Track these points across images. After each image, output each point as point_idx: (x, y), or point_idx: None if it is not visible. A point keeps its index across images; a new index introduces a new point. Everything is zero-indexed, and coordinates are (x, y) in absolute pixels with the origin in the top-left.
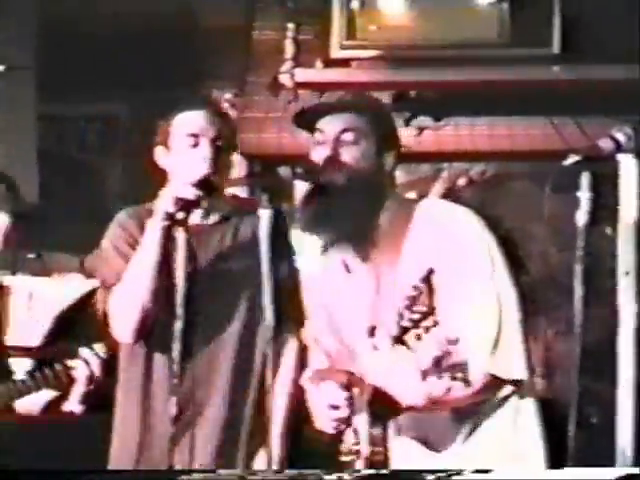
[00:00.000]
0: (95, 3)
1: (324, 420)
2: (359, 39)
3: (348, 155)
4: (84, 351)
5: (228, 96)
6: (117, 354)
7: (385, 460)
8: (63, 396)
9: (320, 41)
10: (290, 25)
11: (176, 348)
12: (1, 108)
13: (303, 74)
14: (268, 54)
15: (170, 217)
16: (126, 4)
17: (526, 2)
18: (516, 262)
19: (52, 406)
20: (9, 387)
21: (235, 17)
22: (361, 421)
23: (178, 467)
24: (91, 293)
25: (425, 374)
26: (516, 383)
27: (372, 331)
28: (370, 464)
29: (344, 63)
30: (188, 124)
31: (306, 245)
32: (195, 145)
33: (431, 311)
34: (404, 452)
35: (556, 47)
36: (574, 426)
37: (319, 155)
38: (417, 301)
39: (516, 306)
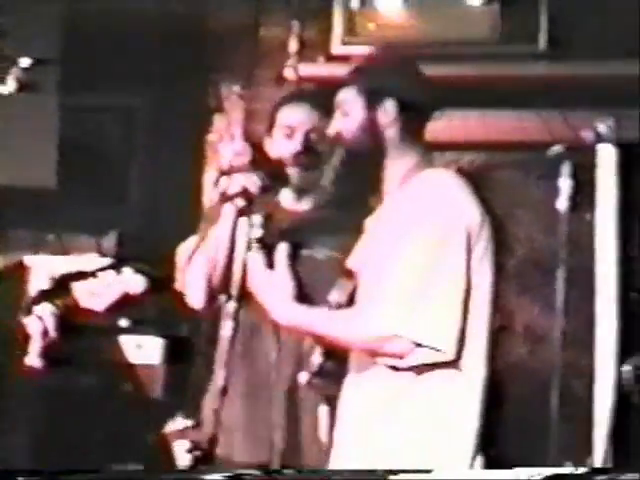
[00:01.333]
0: (116, 1)
1: None
2: (359, 36)
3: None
4: (37, 309)
5: (237, 89)
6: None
7: (335, 397)
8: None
9: (322, 38)
10: (294, 23)
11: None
12: (25, 98)
13: (306, 68)
14: (274, 50)
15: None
16: (145, 4)
17: (515, 3)
18: (504, 245)
19: None
20: None
21: (244, 16)
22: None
23: None
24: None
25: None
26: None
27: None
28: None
29: (345, 59)
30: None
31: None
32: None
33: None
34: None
35: (542, 44)
36: (557, 392)
37: (331, 128)
38: None
39: (460, 287)
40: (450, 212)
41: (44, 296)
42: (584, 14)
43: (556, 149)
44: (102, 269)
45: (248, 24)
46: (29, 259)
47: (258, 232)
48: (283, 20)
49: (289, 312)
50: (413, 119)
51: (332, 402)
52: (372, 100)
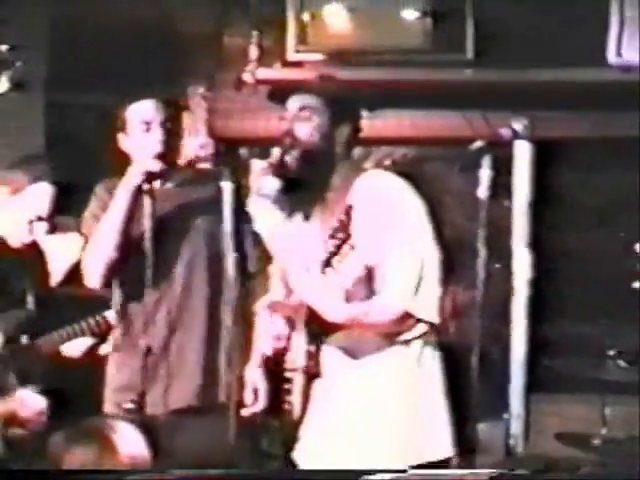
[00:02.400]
0: (94, 7)
1: (265, 344)
2: (310, 45)
3: (302, 129)
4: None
5: (201, 90)
6: None
7: (317, 372)
8: (100, 342)
9: (278, 46)
10: (254, 33)
11: (148, 295)
12: (14, 96)
13: (264, 73)
14: (235, 56)
15: (137, 186)
16: (119, 9)
17: (445, 16)
18: (433, 229)
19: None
20: (59, 334)
21: (208, 26)
22: (299, 340)
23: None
24: None
25: (347, 295)
26: (427, 326)
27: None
28: (306, 376)
29: (298, 64)
30: (140, 112)
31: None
32: (148, 130)
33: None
34: (329, 360)
35: (469, 54)
36: (477, 359)
37: (281, 127)
38: (338, 232)
39: (437, 261)
40: (411, 211)
41: None
42: (506, 28)
43: (478, 144)
44: None
45: (213, 33)
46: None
47: (330, 247)
48: (244, 30)
49: (341, 312)
50: (354, 123)
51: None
52: (336, 112)
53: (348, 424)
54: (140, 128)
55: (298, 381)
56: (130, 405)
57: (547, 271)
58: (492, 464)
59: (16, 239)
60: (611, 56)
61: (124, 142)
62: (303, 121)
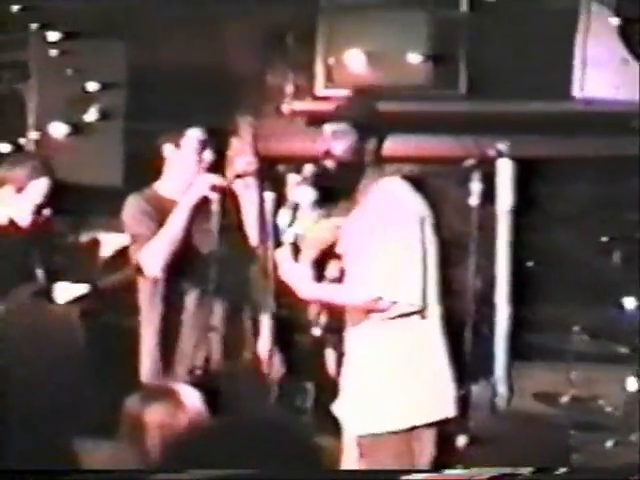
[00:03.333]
0: (164, 53)
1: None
2: (335, 83)
3: (337, 147)
4: None
5: (248, 119)
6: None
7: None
8: None
9: (309, 84)
10: (290, 73)
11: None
12: (101, 124)
13: (298, 105)
14: (275, 92)
15: (205, 197)
16: (184, 55)
17: (443, 59)
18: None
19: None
20: None
21: (254, 67)
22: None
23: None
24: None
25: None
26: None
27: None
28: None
29: (325, 98)
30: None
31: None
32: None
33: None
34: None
35: (462, 89)
36: (470, 334)
37: (320, 147)
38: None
39: (420, 255)
40: (406, 206)
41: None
42: (492, 69)
43: (469, 162)
44: None
45: (257, 73)
46: (101, 236)
47: (290, 236)
48: (282, 71)
49: (311, 291)
50: (376, 143)
51: (337, 349)
52: (362, 134)
53: (372, 383)
54: (197, 149)
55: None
56: (194, 371)
57: (525, 264)
58: (480, 419)
59: (24, 222)
60: (575, 91)
61: (181, 158)
62: (337, 140)
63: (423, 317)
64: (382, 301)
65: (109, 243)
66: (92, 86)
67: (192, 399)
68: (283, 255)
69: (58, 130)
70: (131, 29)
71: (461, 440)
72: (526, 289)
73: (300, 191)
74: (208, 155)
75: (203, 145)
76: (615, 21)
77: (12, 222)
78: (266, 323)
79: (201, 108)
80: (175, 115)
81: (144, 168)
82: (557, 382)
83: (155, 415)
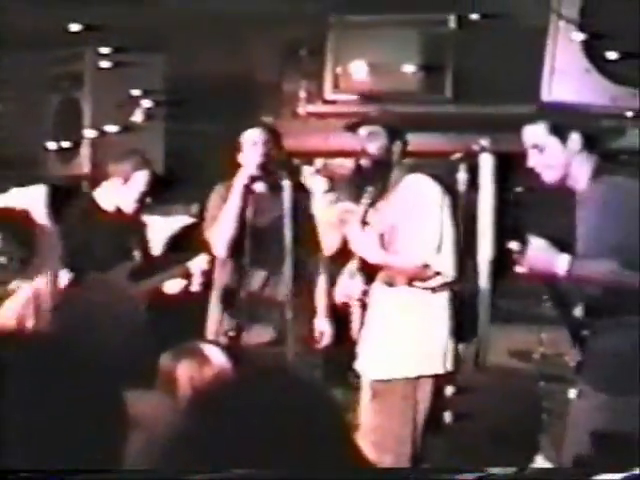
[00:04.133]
0: (196, 63)
1: (338, 297)
2: (341, 89)
3: (371, 147)
4: (197, 259)
5: (270, 120)
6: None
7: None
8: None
9: (320, 90)
10: (303, 81)
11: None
12: (145, 125)
13: (310, 108)
14: (291, 97)
15: (247, 185)
16: (214, 65)
17: (433, 69)
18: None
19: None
20: (160, 276)
21: (274, 75)
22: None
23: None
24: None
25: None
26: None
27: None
28: (361, 308)
29: (333, 102)
30: (252, 136)
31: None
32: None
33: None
34: (375, 293)
35: (449, 94)
36: (458, 301)
37: (356, 147)
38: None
39: (452, 232)
40: (433, 195)
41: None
42: (474, 77)
43: (456, 156)
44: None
45: (276, 81)
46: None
47: (364, 207)
48: (297, 79)
49: (379, 256)
50: (402, 144)
51: (363, 307)
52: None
53: (388, 337)
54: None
55: (356, 313)
56: (230, 334)
57: (504, 241)
58: (465, 373)
59: (129, 209)
60: (544, 95)
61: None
62: (371, 141)
63: (433, 291)
64: (428, 269)
65: (166, 225)
66: (136, 92)
67: (217, 356)
68: (353, 227)
69: (109, 129)
70: (169, 44)
71: (449, 390)
72: (504, 264)
73: (313, 180)
74: (263, 149)
75: (260, 142)
76: (578, 36)
77: (119, 209)
78: (322, 298)
79: (228, 111)
80: (207, 117)
81: (181, 160)
82: (529, 342)
83: (185, 370)
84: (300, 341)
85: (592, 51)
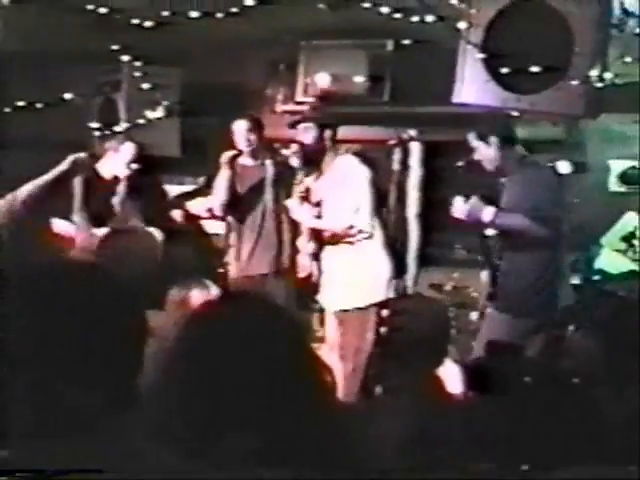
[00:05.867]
0: (203, 74)
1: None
2: (309, 94)
3: (306, 138)
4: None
5: (255, 115)
6: None
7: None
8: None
9: (293, 94)
10: (282, 88)
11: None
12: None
13: (286, 107)
14: (272, 99)
15: (232, 158)
16: (214, 75)
17: (376, 79)
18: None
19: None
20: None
21: (259, 82)
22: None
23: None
24: None
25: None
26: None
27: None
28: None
29: (303, 103)
30: (239, 124)
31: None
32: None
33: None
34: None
35: (387, 98)
36: (394, 249)
37: (303, 138)
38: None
39: (369, 200)
40: (358, 171)
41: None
42: (407, 85)
43: (392, 143)
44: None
45: (261, 87)
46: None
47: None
48: (276, 86)
49: (311, 222)
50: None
51: (318, 260)
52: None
53: (341, 279)
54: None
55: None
56: (220, 270)
57: (430, 207)
58: (396, 300)
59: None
60: (456, 98)
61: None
62: (306, 134)
63: (371, 239)
64: (352, 229)
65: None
66: (158, 96)
67: (212, 287)
68: (293, 202)
69: (139, 122)
70: (184, 61)
71: (385, 312)
72: (428, 224)
73: (290, 160)
74: (251, 136)
75: (247, 130)
76: (480, 56)
77: (116, 177)
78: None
79: (226, 109)
80: (211, 114)
81: (191, 145)
82: (444, 278)
83: (197, 297)
84: (285, 273)
85: (490, 67)
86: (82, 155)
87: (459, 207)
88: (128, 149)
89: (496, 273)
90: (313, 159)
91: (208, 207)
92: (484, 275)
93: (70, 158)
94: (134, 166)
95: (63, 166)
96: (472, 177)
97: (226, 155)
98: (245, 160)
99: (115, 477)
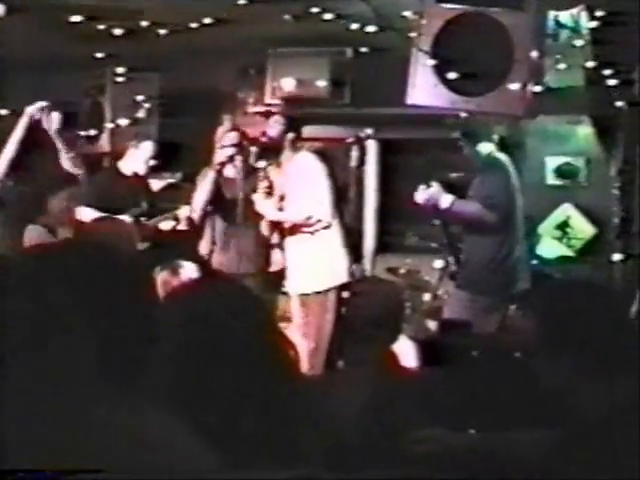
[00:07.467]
0: (181, 80)
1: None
2: (276, 96)
3: (272, 132)
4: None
5: (229, 117)
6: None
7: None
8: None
9: (262, 97)
10: (252, 92)
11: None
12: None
13: (256, 109)
14: (243, 101)
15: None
16: (192, 82)
17: (339, 85)
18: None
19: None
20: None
21: (231, 87)
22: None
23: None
24: None
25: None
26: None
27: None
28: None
29: (270, 105)
30: (224, 130)
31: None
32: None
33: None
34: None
35: (347, 100)
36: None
37: (273, 132)
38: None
39: (329, 193)
40: (317, 167)
41: None
42: (368, 88)
43: (350, 140)
44: None
45: (233, 91)
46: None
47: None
48: (246, 89)
49: (273, 215)
50: (295, 131)
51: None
52: (289, 126)
53: (302, 266)
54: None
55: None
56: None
57: (385, 199)
58: (356, 283)
59: (141, 172)
60: (409, 100)
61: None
62: (272, 128)
63: (330, 228)
64: (311, 219)
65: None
66: (140, 98)
67: (192, 270)
68: (258, 197)
69: (122, 123)
70: (163, 66)
71: (345, 294)
72: (384, 214)
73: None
74: (233, 136)
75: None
76: (430, 62)
77: (135, 174)
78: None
79: (202, 110)
80: (188, 115)
81: (169, 143)
82: (398, 262)
83: (186, 272)
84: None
85: (440, 72)
86: (37, 105)
87: (420, 193)
88: (147, 147)
89: (458, 255)
90: (273, 151)
91: (187, 216)
92: (438, 262)
93: (27, 110)
94: (153, 163)
95: (22, 122)
96: (424, 171)
97: (216, 161)
98: (229, 171)
99: (115, 477)
